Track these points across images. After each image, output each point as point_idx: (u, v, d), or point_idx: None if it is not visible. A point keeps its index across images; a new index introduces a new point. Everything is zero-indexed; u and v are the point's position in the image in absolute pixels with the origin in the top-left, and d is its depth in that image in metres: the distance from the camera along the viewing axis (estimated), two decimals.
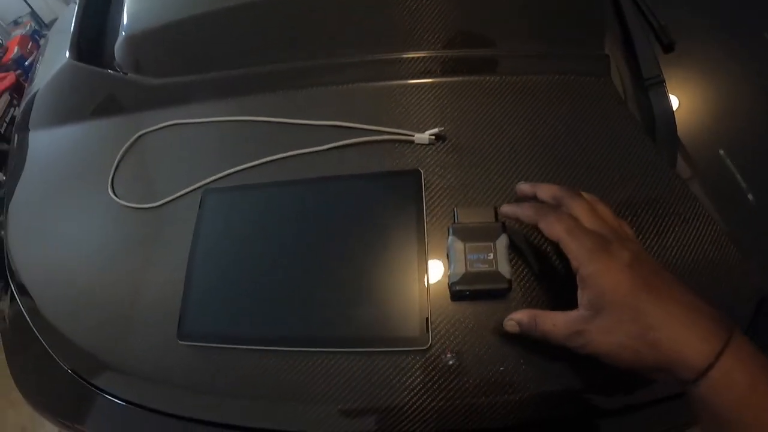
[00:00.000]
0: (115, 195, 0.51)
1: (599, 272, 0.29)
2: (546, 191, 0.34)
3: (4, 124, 1.74)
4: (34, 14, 2.31)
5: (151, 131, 0.54)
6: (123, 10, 0.64)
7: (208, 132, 0.51)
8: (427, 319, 0.34)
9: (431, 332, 0.34)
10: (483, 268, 0.34)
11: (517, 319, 0.32)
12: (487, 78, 0.45)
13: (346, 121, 0.44)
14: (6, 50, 2.03)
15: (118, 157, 0.54)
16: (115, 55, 0.62)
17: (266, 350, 0.37)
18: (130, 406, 0.42)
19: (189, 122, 0.52)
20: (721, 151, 0.45)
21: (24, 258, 0.55)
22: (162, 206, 0.48)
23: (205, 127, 0.51)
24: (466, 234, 0.35)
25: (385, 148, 0.43)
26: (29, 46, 2.08)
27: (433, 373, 0.34)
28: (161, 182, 0.50)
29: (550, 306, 0.35)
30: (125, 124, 0.56)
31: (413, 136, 0.41)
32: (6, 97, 1.74)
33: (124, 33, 0.60)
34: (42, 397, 0.50)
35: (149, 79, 0.58)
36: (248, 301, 0.38)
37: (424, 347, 0.34)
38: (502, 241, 0.34)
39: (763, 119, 0.48)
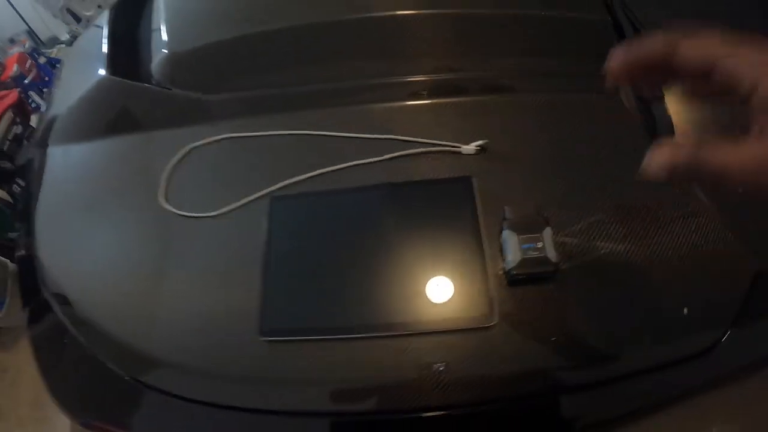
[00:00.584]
0: (168, 205, 0.53)
1: None
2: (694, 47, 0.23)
3: (7, 142, 1.70)
4: (31, 32, 2.25)
5: (202, 144, 0.57)
6: (160, 28, 0.67)
7: (260, 145, 0.55)
8: (491, 300, 0.41)
9: (496, 311, 0.41)
10: (534, 255, 0.40)
11: (664, 162, 0.23)
12: (520, 97, 0.52)
13: (398, 135, 0.50)
14: (4, 68, 1.98)
15: (169, 169, 0.57)
16: (155, 71, 0.65)
17: (347, 339, 0.41)
18: (212, 407, 0.43)
19: (244, 135, 0.56)
20: None
21: (66, 270, 0.56)
22: (221, 214, 0.51)
23: (257, 140, 0.55)
24: (517, 228, 0.41)
25: (435, 158, 0.49)
26: (28, 64, 2.02)
27: (500, 345, 0.40)
28: (216, 192, 0.53)
29: (595, 285, 0.42)
30: (173, 137, 0.59)
31: (461, 147, 0.48)
32: (9, 114, 1.70)
33: (167, 50, 0.64)
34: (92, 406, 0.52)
35: (195, 94, 0.61)
36: (326, 297, 0.43)
37: (492, 324, 0.40)
38: (548, 232, 0.41)
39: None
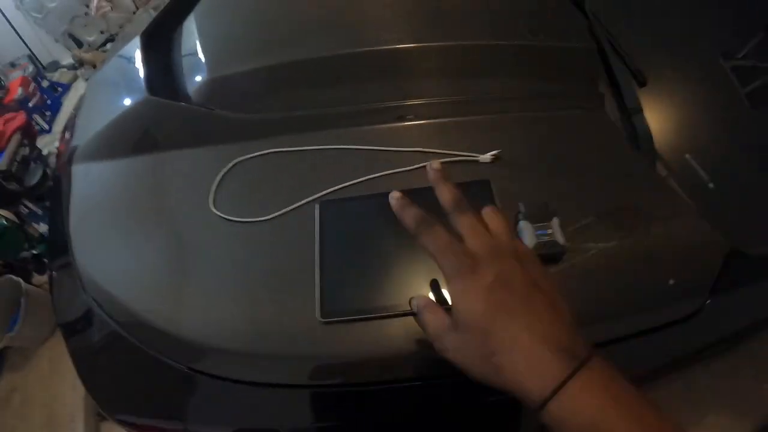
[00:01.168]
0: (218, 212, 0.59)
1: (459, 292, 0.31)
2: (444, 194, 0.36)
3: (15, 164, 1.73)
4: (32, 56, 2.30)
5: (247, 158, 0.64)
6: (198, 53, 0.75)
7: (300, 159, 0.63)
8: None
9: None
10: (546, 239, 0.49)
11: (414, 303, 0.37)
12: (524, 115, 0.62)
13: (423, 148, 0.59)
14: (7, 91, 2.02)
15: (217, 180, 0.63)
16: (196, 93, 0.72)
17: (400, 315, 0.48)
18: (279, 388, 0.48)
19: (286, 150, 0.63)
20: (687, 155, 0.62)
21: (121, 277, 0.59)
22: (271, 219, 0.57)
23: (297, 155, 0.63)
24: (531, 218, 0.50)
25: (457, 166, 0.57)
26: (31, 88, 2.07)
27: None
28: (262, 202, 0.59)
29: (594, 265, 0.50)
30: (217, 152, 0.66)
31: (478, 156, 0.57)
32: (17, 137, 1.74)
33: (208, 75, 0.71)
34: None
35: (237, 114, 0.68)
36: (376, 282, 0.50)
37: None
38: (556, 221, 0.50)
39: (715, 129, 0.67)
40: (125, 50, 0.90)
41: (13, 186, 1.78)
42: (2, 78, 2.12)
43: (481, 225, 0.35)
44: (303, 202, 0.58)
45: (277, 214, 0.58)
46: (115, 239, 0.64)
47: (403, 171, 0.58)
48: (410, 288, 0.49)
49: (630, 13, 0.79)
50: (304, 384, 0.49)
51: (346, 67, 0.67)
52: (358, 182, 0.58)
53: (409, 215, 0.35)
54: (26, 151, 1.82)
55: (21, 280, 1.52)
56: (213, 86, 0.71)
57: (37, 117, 2.09)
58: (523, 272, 0.32)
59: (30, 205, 1.78)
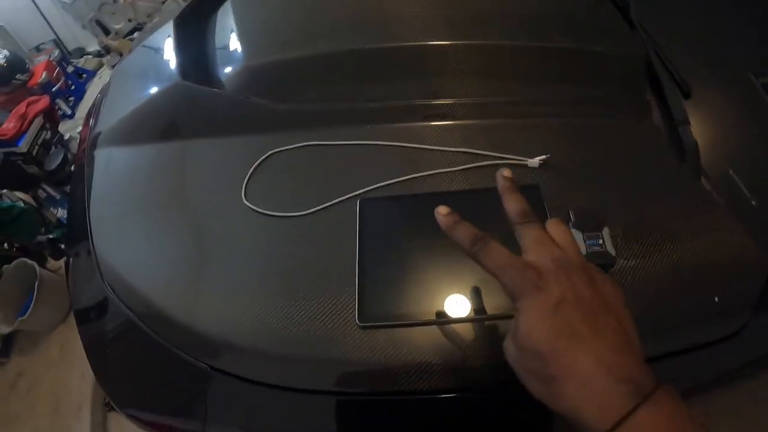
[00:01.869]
0: (252, 204, 0.58)
1: (523, 310, 0.29)
2: (512, 204, 0.35)
3: (36, 147, 1.74)
4: (58, 42, 2.32)
5: (283, 150, 0.63)
6: (235, 41, 0.74)
7: (339, 154, 0.61)
8: None
9: None
10: (597, 249, 0.47)
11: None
12: (571, 120, 0.60)
13: (469, 148, 0.57)
14: (32, 75, 2.04)
15: (250, 171, 0.62)
16: (230, 81, 0.71)
17: (438, 323, 0.46)
18: (313, 394, 0.46)
19: (324, 144, 0.62)
20: (730, 171, 0.60)
21: (149, 265, 0.58)
22: (307, 215, 0.55)
23: (334, 149, 0.62)
24: (581, 227, 0.48)
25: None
26: (56, 73, 2.09)
27: None
28: (296, 196, 0.58)
29: (642, 277, 0.48)
30: (252, 142, 0.65)
31: (527, 161, 0.55)
32: (39, 120, 1.75)
33: (244, 62, 0.70)
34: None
35: (274, 103, 0.67)
36: (416, 287, 0.48)
37: None
38: (606, 231, 0.48)
39: (758, 145, 0.64)
40: (154, 38, 0.90)
41: (32, 169, 1.78)
42: (27, 62, 2.14)
43: (548, 237, 0.32)
44: (342, 198, 0.56)
45: (314, 209, 0.56)
46: (136, 227, 0.63)
47: (448, 171, 0.56)
48: (453, 294, 0.48)
49: (673, 23, 0.77)
50: (339, 391, 0.47)
51: (386, 61, 0.65)
52: (401, 180, 0.56)
53: (462, 234, 0.33)
54: (48, 135, 1.83)
55: (36, 264, 1.51)
56: (249, 74, 0.70)
57: (60, 102, 2.10)
58: (593, 289, 0.30)
59: (48, 189, 1.78)
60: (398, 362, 0.46)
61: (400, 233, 0.52)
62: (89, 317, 0.62)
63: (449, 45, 0.65)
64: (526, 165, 0.55)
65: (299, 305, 0.50)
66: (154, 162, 0.69)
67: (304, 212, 0.56)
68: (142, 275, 0.58)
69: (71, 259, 0.69)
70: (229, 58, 0.75)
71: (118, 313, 0.56)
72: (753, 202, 0.58)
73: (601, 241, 0.47)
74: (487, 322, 0.47)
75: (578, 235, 0.48)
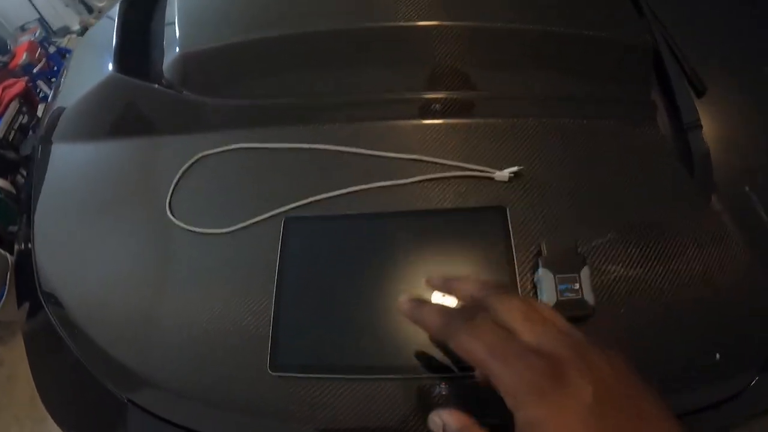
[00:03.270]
0: (174, 217, 0.51)
1: (545, 421, 0.20)
2: (463, 290, 0.28)
3: (13, 132, 1.68)
4: (42, 21, 2.24)
5: (213, 153, 0.54)
6: (174, 25, 0.64)
7: (274, 158, 0.52)
8: None
9: None
10: (571, 296, 0.37)
11: (444, 420, 0.25)
12: (556, 121, 0.49)
13: (425, 156, 0.47)
14: (13, 56, 1.97)
15: (177, 177, 0.54)
16: (166, 70, 0.62)
17: (361, 379, 0.38)
18: None
19: (260, 147, 0.53)
20: (747, 188, 0.50)
21: (63, 272, 0.54)
22: (231, 232, 0.48)
23: (271, 153, 0.52)
24: (554, 266, 0.38)
25: (465, 184, 0.45)
26: (38, 53, 2.01)
27: None
28: (226, 207, 0.50)
29: (627, 330, 0.39)
30: (182, 143, 0.56)
31: (494, 173, 0.45)
32: (15, 104, 1.68)
33: (179, 50, 0.60)
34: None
35: (207, 98, 0.58)
36: (340, 332, 0.40)
37: None
38: (586, 272, 0.38)
39: None
40: (111, 12, 0.80)
41: (10, 155, 1.72)
42: (10, 42, 2.06)
43: (535, 309, 0.24)
44: (267, 215, 0.47)
45: (235, 227, 0.48)
46: (70, 231, 0.57)
47: (396, 185, 0.46)
48: (384, 343, 0.39)
49: (689, 10, 0.65)
50: None
51: (340, 46, 0.55)
52: (336, 195, 0.47)
53: (431, 319, 0.26)
54: (25, 119, 1.76)
55: (8, 254, 1.47)
56: (184, 63, 0.60)
57: (41, 83, 2.02)
58: (618, 375, 0.22)
59: (26, 175, 1.73)
60: (312, 420, 0.39)
61: (327, 263, 0.43)
62: (31, 328, 0.57)
63: (413, 27, 0.54)
64: (493, 178, 0.45)
65: (210, 340, 0.43)
66: (87, 161, 0.62)
67: (224, 230, 0.48)
68: (71, 288, 0.53)
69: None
70: (170, 45, 0.65)
71: (51, 327, 0.51)
72: None
73: (576, 286, 0.37)
74: (427, 382, 0.38)
75: (548, 277, 0.38)
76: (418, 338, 0.38)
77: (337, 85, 0.55)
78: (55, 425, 0.51)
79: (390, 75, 0.54)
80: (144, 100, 0.62)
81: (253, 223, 0.47)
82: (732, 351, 0.40)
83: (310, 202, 0.47)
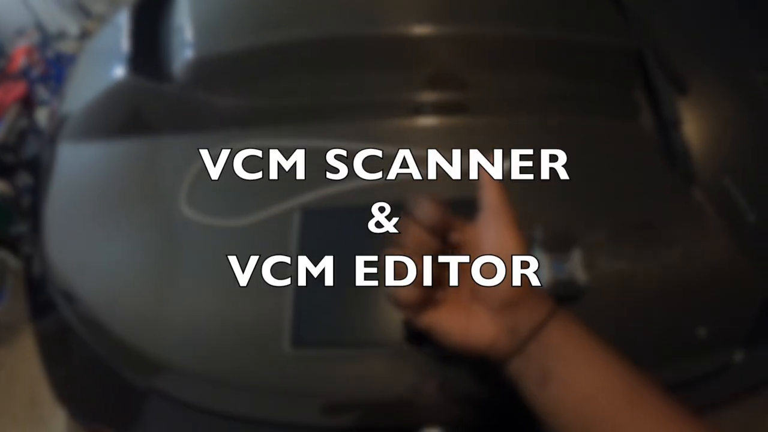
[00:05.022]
0: (190, 210, 0.53)
1: None
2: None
3: (12, 135, 1.68)
4: (39, 25, 2.24)
5: (229, 152, 0.57)
6: (187, 27, 0.67)
7: (287, 156, 0.55)
8: None
9: None
10: (563, 276, 0.41)
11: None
12: (542, 118, 0.54)
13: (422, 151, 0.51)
14: (11, 60, 1.96)
15: (191, 174, 0.56)
16: (179, 73, 0.64)
17: (376, 352, 0.42)
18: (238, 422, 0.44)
19: (272, 145, 0.56)
20: (726, 179, 0.54)
21: (79, 271, 0.55)
22: (249, 224, 0.51)
23: (282, 151, 0.55)
24: (548, 247, 0.42)
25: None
26: (36, 57, 2.01)
27: None
28: (238, 201, 0.53)
29: (616, 309, 0.43)
30: (194, 143, 0.59)
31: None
32: (16, 107, 1.68)
33: (192, 52, 0.63)
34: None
35: (222, 99, 0.61)
36: (358, 311, 0.43)
37: None
38: (577, 254, 0.42)
39: (758, 152, 0.58)
40: (118, 18, 0.82)
41: (10, 158, 1.73)
42: (8, 47, 2.06)
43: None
44: (283, 207, 0.51)
45: (253, 219, 0.51)
46: (82, 230, 0.59)
47: (401, 179, 0.50)
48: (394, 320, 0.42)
49: (671, 13, 0.69)
50: (271, 420, 0.44)
51: (345, 51, 0.59)
52: (351, 189, 0.50)
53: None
54: (25, 122, 1.77)
55: (6, 257, 1.48)
56: (200, 66, 0.63)
57: (40, 88, 2.03)
58: None
59: (28, 178, 1.73)
60: (334, 392, 0.42)
61: (343, 249, 0.46)
62: (38, 316, 0.59)
63: (411, 34, 0.57)
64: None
65: (230, 324, 0.46)
66: (101, 163, 0.64)
67: (242, 221, 0.51)
68: (84, 282, 0.54)
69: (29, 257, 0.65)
70: (183, 47, 0.68)
71: (64, 322, 0.53)
72: (750, 218, 0.52)
73: (568, 267, 0.41)
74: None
75: (544, 259, 0.42)
76: None
77: (342, 87, 0.58)
78: (55, 425, 0.53)
79: (390, 78, 0.58)
80: (157, 101, 0.64)
81: (269, 215, 0.51)
82: (715, 327, 0.43)
83: (325, 196, 0.50)
